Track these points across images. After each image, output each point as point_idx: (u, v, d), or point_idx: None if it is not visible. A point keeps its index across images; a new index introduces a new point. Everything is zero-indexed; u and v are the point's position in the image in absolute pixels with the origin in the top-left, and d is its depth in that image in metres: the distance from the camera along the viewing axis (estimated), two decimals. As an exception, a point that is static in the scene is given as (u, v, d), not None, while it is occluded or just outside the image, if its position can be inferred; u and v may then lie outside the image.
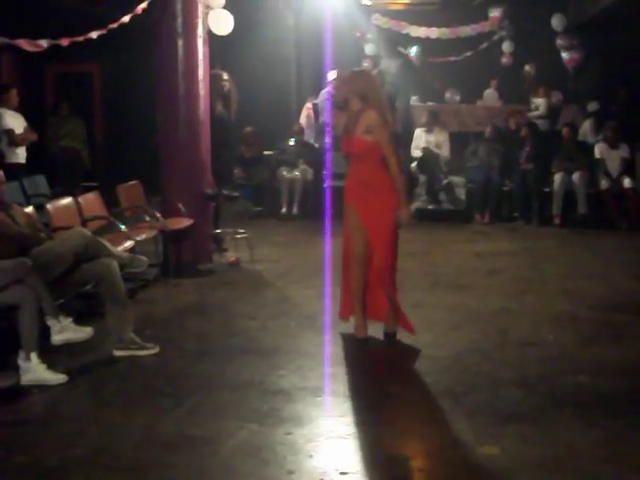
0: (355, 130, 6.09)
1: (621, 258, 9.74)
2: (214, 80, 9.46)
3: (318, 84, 14.92)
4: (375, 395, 5.28)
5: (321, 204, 11.59)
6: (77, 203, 7.92)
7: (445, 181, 12.83)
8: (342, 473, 4.09)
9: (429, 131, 13.37)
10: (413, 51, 15.97)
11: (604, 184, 12.12)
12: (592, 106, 13.54)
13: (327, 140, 12.91)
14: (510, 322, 6.91)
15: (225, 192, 9.18)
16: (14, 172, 10.22)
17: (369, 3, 15.43)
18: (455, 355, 5.99)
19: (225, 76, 9.66)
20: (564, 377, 5.52)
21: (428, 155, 12.96)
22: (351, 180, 6.26)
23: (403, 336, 6.32)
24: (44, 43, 7.02)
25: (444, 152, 13.22)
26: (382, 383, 5.57)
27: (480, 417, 4.81)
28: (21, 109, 11.05)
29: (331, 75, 13.46)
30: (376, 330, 6.39)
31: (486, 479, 4.11)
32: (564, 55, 15.46)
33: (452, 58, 16.22)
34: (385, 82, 13.49)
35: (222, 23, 8.97)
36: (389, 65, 15.33)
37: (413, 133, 13.55)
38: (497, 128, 13.37)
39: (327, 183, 12.07)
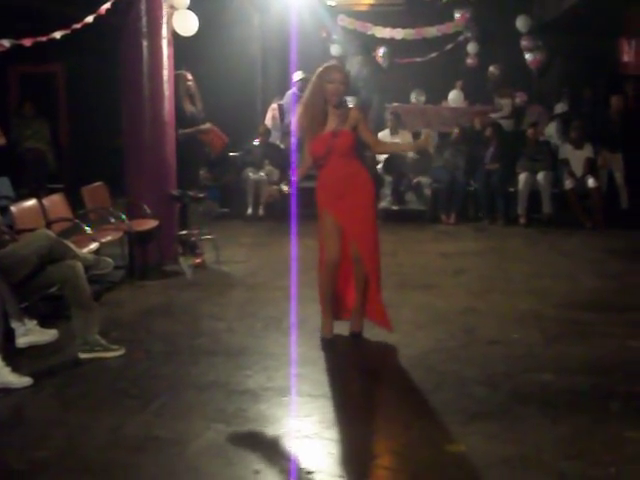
0: (342, 126, 6.08)
1: (586, 257, 9.81)
2: (179, 80, 9.45)
3: (284, 85, 14.93)
4: (341, 395, 5.29)
5: (287, 205, 11.59)
6: (41, 205, 7.88)
7: (414, 180, 12.87)
8: (308, 472, 4.09)
9: (394, 132, 13.40)
10: (381, 52, 16.03)
11: (568, 184, 12.21)
12: (560, 107, 13.62)
13: (293, 141, 12.91)
14: (476, 321, 6.95)
15: (190, 193, 9.14)
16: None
17: (334, 4, 15.44)
18: (421, 354, 6.01)
19: (189, 76, 9.65)
20: (529, 375, 5.56)
21: (394, 156, 13.00)
22: (328, 181, 6.19)
23: (369, 335, 6.36)
24: (6, 43, 6.98)
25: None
26: (348, 383, 5.59)
27: (446, 415, 4.83)
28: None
29: (297, 76, 13.46)
30: (342, 329, 6.41)
31: (452, 477, 4.13)
32: (528, 56, 15.56)
33: (417, 59, 16.27)
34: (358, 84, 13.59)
35: (187, 24, 8.95)
36: (359, 68, 15.38)
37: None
38: (463, 129, 13.43)
39: (294, 184, 12.04)
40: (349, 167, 6.18)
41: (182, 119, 9.32)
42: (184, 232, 9.48)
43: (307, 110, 6.12)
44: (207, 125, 9.82)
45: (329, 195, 6.18)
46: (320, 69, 6.18)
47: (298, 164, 6.54)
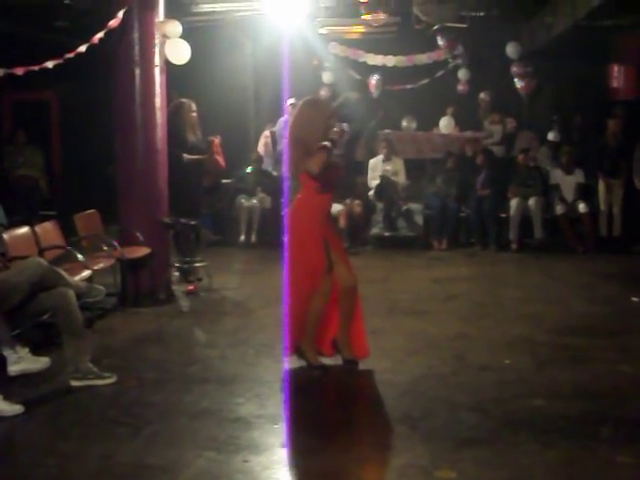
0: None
1: (577, 282, 9.84)
2: (183, 110, 9.51)
3: (276, 112, 14.97)
4: (332, 422, 5.30)
5: (279, 232, 11.60)
6: (34, 232, 7.89)
7: (404, 207, 12.91)
8: (300, 500, 4.10)
9: (387, 159, 13.45)
10: (374, 81, 16.10)
11: (560, 209, 12.27)
12: (552, 136, 13.68)
13: (285, 168, 12.95)
14: (467, 347, 6.96)
15: (182, 220, 9.15)
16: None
17: (325, 32, 15.52)
18: (412, 380, 6.01)
19: (194, 107, 9.69)
20: (520, 400, 5.57)
21: (386, 182, 13.05)
22: (320, 210, 6.25)
23: (361, 363, 6.34)
24: (-1, 72, 7.02)
25: (401, 179, 13.32)
26: (339, 410, 5.60)
27: (437, 441, 4.84)
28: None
29: (289, 103, 13.52)
30: (334, 357, 6.41)
31: (443, 503, 4.14)
32: (518, 82, 15.64)
33: (409, 86, 16.34)
34: (348, 115, 13.63)
35: (179, 52, 8.98)
36: (349, 97, 15.44)
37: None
38: (454, 155, 13.49)
39: (286, 211, 12.06)
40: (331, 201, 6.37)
41: (184, 148, 9.37)
42: (177, 259, 9.51)
43: (304, 146, 6.11)
44: (206, 155, 9.86)
45: (323, 222, 6.22)
46: (312, 103, 6.21)
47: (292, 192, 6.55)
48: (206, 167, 10.12)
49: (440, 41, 15.60)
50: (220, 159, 10.28)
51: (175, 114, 9.38)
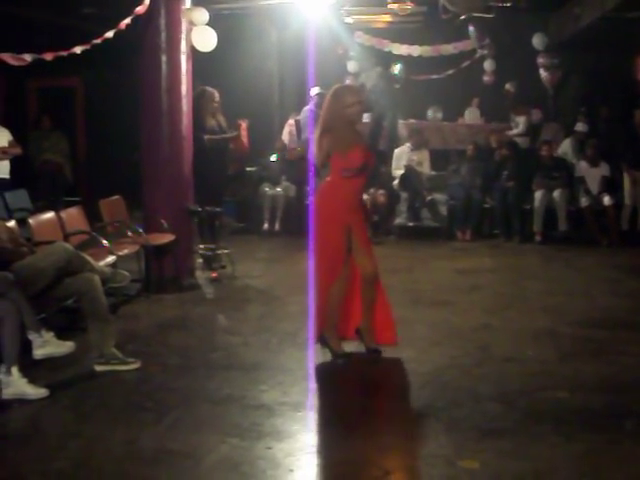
0: (359, 143, 6.12)
1: (601, 275, 9.79)
2: (204, 98, 9.53)
3: (301, 100, 14.96)
4: (355, 410, 5.30)
5: (303, 221, 11.61)
6: (59, 218, 7.92)
7: (429, 198, 12.87)
8: (323, 487, 4.11)
9: (415, 149, 13.40)
10: (397, 69, 16.05)
11: (584, 201, 12.20)
12: (580, 126, 13.58)
13: (310, 157, 12.93)
14: (491, 338, 6.94)
15: (207, 208, 9.18)
16: (-3, 186, 10.25)
17: (351, 21, 15.49)
18: (436, 370, 6.01)
19: (216, 96, 9.71)
20: (544, 392, 5.56)
21: (411, 172, 13.01)
22: (347, 196, 6.19)
23: (384, 352, 6.34)
24: (28, 57, 7.01)
25: (425, 169, 13.28)
26: (362, 398, 5.59)
27: (460, 432, 4.83)
28: (4, 123, 11.05)
29: (313, 91, 13.51)
30: (358, 345, 6.42)
31: (466, 493, 4.14)
32: (544, 73, 15.56)
33: (434, 76, 16.28)
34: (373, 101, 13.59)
35: (205, 40, 9.00)
36: (376, 81, 15.44)
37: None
38: (479, 146, 13.44)
39: (311, 200, 12.05)
40: (360, 185, 6.31)
41: (202, 131, 9.39)
42: (202, 246, 9.54)
43: (330, 133, 6.09)
44: (234, 133, 9.90)
45: (346, 211, 6.19)
46: (333, 93, 6.19)
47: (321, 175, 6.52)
48: (231, 153, 10.15)
49: (472, 31, 15.52)
50: (245, 142, 10.30)
51: (196, 100, 9.40)
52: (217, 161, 9.74)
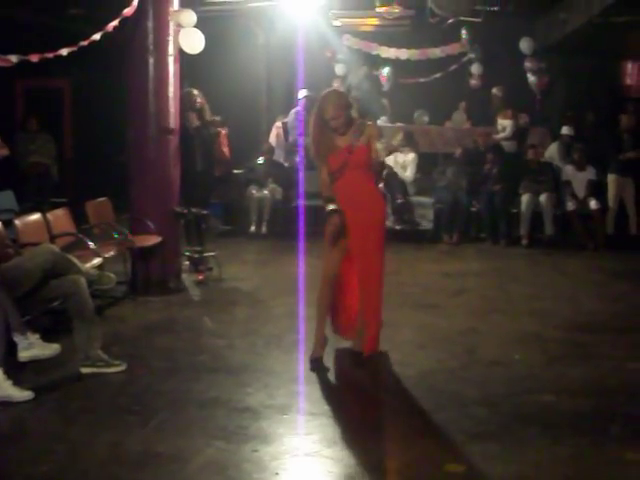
0: (358, 141, 6.10)
1: (587, 278, 9.83)
2: (186, 97, 9.54)
3: (288, 103, 14.98)
4: (341, 413, 5.29)
5: (290, 223, 11.64)
6: (45, 219, 7.90)
7: (399, 201, 12.76)
8: (308, 490, 4.11)
9: (400, 150, 13.39)
10: (385, 72, 16.09)
11: (570, 205, 12.25)
12: (566, 129, 13.62)
13: (298, 159, 12.95)
14: (477, 341, 6.96)
15: (194, 210, 9.17)
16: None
17: (339, 24, 15.50)
18: (422, 374, 6.01)
19: (195, 91, 9.76)
20: (529, 396, 5.57)
21: (390, 174, 12.94)
22: (342, 193, 6.16)
23: (370, 355, 6.35)
24: (14, 58, 7.00)
25: (408, 173, 13.21)
26: (349, 401, 5.60)
27: (446, 435, 4.84)
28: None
29: (301, 94, 13.52)
30: (344, 347, 6.43)
31: (452, 497, 4.14)
32: (531, 78, 15.61)
33: (421, 79, 16.31)
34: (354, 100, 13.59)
35: (193, 42, 8.98)
36: (361, 80, 15.48)
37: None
38: (466, 149, 13.47)
39: (300, 202, 12.06)
40: (363, 182, 6.20)
41: (185, 134, 9.41)
42: (188, 249, 9.54)
43: (317, 140, 6.17)
44: (218, 129, 9.95)
45: (342, 207, 6.18)
46: (318, 103, 6.22)
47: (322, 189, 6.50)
48: (215, 156, 10.15)
49: (464, 34, 15.57)
50: (226, 150, 10.33)
51: (182, 101, 9.44)
52: (203, 162, 9.74)
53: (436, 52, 16.21)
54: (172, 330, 7.37)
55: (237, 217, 13.40)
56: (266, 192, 13.19)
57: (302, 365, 6.17)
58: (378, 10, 14.67)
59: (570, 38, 14.05)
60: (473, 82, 16.36)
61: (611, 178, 12.48)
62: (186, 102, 9.53)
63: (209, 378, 5.93)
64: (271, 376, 5.95)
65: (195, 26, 8.97)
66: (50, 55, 7.45)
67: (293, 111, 14.33)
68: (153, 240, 8.69)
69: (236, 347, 6.78)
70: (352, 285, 6.34)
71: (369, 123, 6.43)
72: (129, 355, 6.36)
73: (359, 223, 6.13)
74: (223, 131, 10.25)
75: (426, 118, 16.05)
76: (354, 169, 6.10)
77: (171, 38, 8.79)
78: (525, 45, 15.45)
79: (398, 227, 12.85)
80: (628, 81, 15.24)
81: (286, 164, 13.85)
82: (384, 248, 6.28)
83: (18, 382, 5.45)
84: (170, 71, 8.82)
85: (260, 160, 13.60)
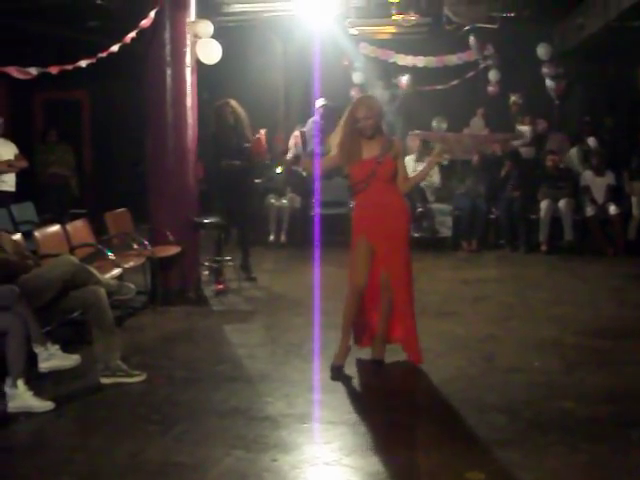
0: (386, 154, 6.14)
1: (607, 284, 9.79)
2: (217, 113, 9.59)
3: (306, 112, 14.98)
4: (361, 422, 5.28)
5: (309, 232, 11.64)
6: (65, 230, 7.95)
7: (420, 209, 12.77)
8: (328, 499, 4.11)
9: (419, 160, 13.38)
10: (404, 79, 16.07)
11: (590, 211, 12.21)
12: (590, 141, 13.57)
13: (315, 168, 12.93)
14: (496, 348, 6.95)
15: (213, 220, 9.19)
16: (2, 199, 10.28)
17: (356, 32, 15.51)
18: (441, 381, 6.01)
19: (233, 102, 9.75)
20: (549, 403, 5.56)
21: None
22: (367, 205, 6.23)
23: (390, 363, 6.36)
24: (33, 71, 7.05)
25: (435, 178, 13.22)
26: (368, 410, 5.58)
27: (466, 443, 4.84)
28: (10, 137, 11.09)
29: (319, 103, 13.53)
30: (364, 356, 6.43)
31: (471, 505, 4.14)
32: (549, 83, 15.57)
33: (439, 87, 16.29)
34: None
35: (210, 52, 9.02)
36: (381, 93, 15.46)
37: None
38: (484, 156, 13.45)
39: (317, 211, 12.08)
40: (388, 194, 6.23)
41: (221, 153, 9.44)
42: (207, 259, 9.56)
43: (343, 141, 6.19)
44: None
45: (367, 220, 6.21)
46: (351, 105, 6.27)
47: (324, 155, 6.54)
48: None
49: (472, 42, 15.53)
50: (262, 152, 10.21)
51: (214, 117, 9.47)
52: (235, 182, 9.76)
53: (453, 59, 16.17)
54: (192, 340, 7.39)
55: (256, 226, 13.41)
56: (285, 201, 13.21)
57: (321, 374, 6.18)
58: (394, 18, 14.63)
59: (587, 43, 13.98)
60: (490, 88, 16.32)
61: (637, 185, 12.38)
62: (218, 119, 9.67)
63: (229, 387, 5.94)
64: (290, 385, 5.95)
65: (212, 36, 9.01)
66: (69, 67, 7.50)
67: (311, 120, 14.34)
68: (172, 250, 8.72)
69: (256, 356, 6.79)
70: (371, 294, 6.34)
71: (395, 138, 6.56)
72: (149, 365, 6.38)
73: (385, 234, 6.16)
74: (261, 136, 9.98)
75: (444, 125, 16.03)
76: (380, 180, 6.14)
77: (188, 49, 8.83)
78: (542, 51, 15.40)
79: (417, 235, 12.83)
80: (647, 86, 15.16)
81: (304, 173, 13.84)
82: (411, 259, 6.37)
83: (39, 393, 5.49)
84: (187, 82, 8.86)
85: (279, 169, 13.62)
